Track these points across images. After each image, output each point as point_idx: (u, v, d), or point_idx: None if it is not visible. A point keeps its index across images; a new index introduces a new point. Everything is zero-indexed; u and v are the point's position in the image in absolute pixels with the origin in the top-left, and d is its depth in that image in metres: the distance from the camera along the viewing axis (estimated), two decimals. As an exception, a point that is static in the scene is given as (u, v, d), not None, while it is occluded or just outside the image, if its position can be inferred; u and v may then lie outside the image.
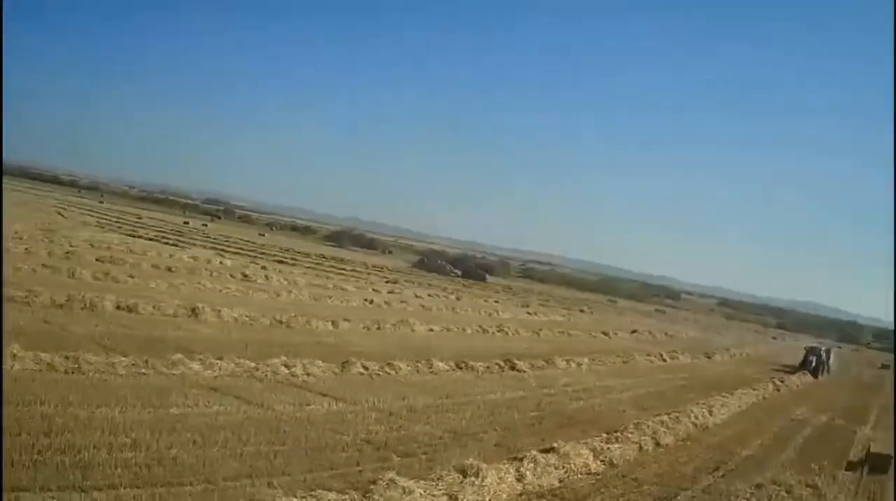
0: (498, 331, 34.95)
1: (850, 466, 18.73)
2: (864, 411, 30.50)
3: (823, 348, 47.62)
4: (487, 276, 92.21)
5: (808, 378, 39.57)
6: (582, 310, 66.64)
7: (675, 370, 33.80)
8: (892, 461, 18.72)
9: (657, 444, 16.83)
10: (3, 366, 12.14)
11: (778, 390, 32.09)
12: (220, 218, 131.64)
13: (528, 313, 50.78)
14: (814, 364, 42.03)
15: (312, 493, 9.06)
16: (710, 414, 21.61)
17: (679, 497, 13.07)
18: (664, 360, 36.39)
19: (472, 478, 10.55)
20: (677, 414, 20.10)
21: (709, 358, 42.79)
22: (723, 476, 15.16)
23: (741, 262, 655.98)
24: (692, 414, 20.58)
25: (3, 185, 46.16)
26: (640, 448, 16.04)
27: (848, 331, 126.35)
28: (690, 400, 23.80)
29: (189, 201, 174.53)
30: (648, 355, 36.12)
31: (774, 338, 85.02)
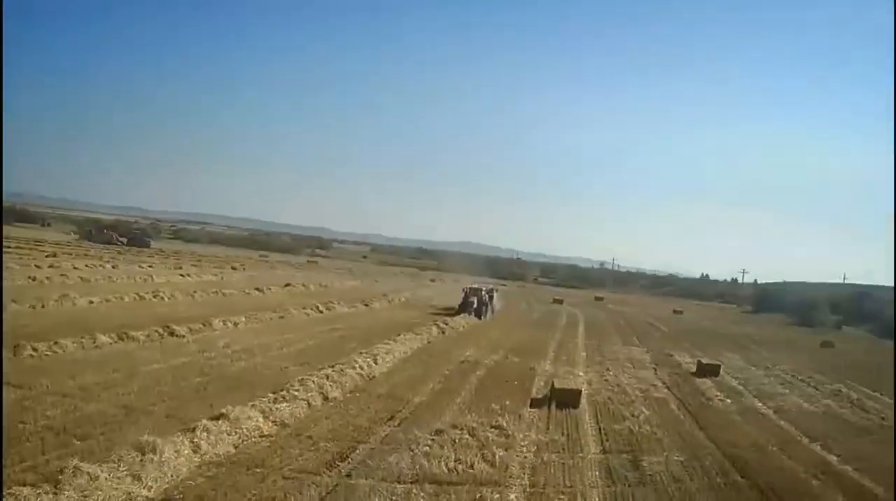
0: (154, 297, 36.40)
1: (536, 403, 20.66)
2: (539, 347, 34.32)
3: (485, 288, 52.99)
4: (151, 242, 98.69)
5: (474, 318, 43.95)
6: (234, 268, 69.68)
7: (334, 321, 35.62)
8: (581, 394, 21.25)
9: (326, 399, 17.87)
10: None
11: (443, 333, 35.17)
12: None
13: (182, 275, 52.97)
14: (475, 304, 46.55)
15: (10, 491, 9.86)
16: (376, 363, 23.20)
17: (358, 451, 13.92)
18: (321, 312, 38.43)
19: (151, 455, 11.59)
20: (341, 366, 21.45)
21: (367, 305, 45.73)
22: (399, 424, 16.40)
23: (391, 209, 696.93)
24: (357, 365, 22.02)
25: None
26: (309, 404, 16.95)
27: (513, 268, 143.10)
28: (353, 350, 25.33)
29: None
30: (304, 308, 38.00)
31: (433, 281, 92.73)
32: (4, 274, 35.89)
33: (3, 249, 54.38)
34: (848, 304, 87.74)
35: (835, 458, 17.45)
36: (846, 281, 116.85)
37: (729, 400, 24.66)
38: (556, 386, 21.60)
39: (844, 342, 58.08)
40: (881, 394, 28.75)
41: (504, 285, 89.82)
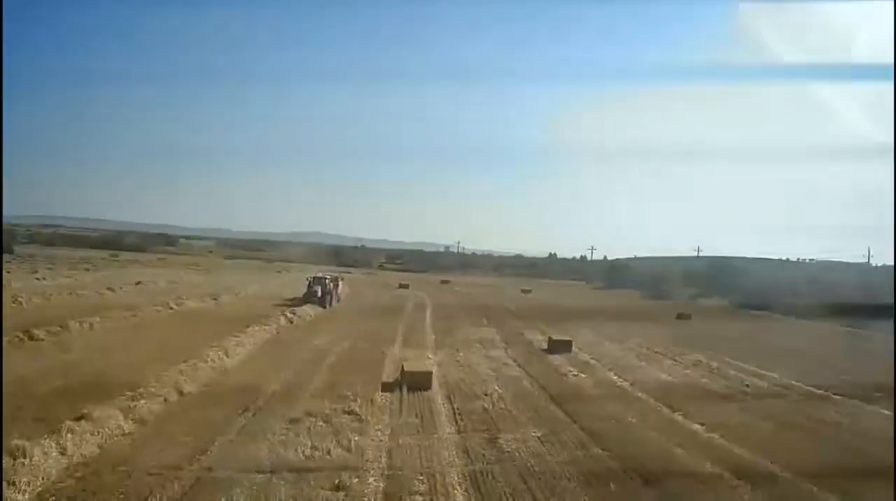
0: (13, 302, 35.62)
1: (387, 387, 21.04)
2: (388, 332, 34.74)
3: (329, 276, 53.23)
4: (16, 248, 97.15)
5: (319, 308, 44.25)
6: (87, 269, 69.55)
7: (185, 316, 35.66)
8: (432, 376, 21.69)
9: (181, 394, 18.15)
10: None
11: (291, 323, 35.56)
12: None
13: (38, 279, 53.11)
14: (319, 293, 46.81)
15: None
16: (228, 356, 23.64)
17: (216, 444, 14.27)
18: (172, 308, 38.49)
19: (22, 459, 11.72)
20: (194, 361, 21.73)
21: (215, 299, 45.69)
22: (254, 415, 16.80)
23: (236, 201, 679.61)
24: (209, 359, 22.45)
25: None
26: (166, 400, 17.20)
27: (358, 256, 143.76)
28: (204, 344, 25.38)
29: None
30: (156, 305, 38.01)
31: (279, 272, 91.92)
32: None
33: None
34: (703, 276, 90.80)
35: (698, 427, 17.89)
36: (700, 255, 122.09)
37: (584, 375, 25.25)
38: (406, 368, 21.85)
39: (701, 313, 58.71)
40: (743, 363, 29.25)
41: (350, 273, 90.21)
